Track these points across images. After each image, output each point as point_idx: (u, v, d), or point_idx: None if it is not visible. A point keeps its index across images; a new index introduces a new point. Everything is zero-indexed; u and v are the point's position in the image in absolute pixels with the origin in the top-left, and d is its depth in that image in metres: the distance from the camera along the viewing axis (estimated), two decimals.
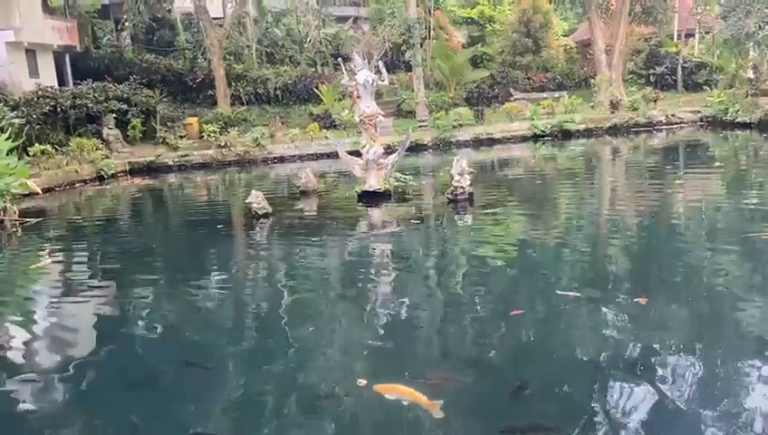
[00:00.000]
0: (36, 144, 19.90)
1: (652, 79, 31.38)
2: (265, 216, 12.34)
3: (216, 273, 9.54)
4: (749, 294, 7.04)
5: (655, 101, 27.03)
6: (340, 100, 27.44)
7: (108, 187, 19.75)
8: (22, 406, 5.45)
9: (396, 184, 14.22)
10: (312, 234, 11.55)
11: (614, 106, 26.16)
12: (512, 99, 29.07)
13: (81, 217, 15.68)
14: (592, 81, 29.48)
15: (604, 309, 6.72)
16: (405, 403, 4.87)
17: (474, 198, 12.73)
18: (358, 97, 14.00)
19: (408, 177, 14.79)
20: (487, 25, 35.83)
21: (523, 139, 24.62)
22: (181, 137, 24.17)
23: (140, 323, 7.41)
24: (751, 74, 26.47)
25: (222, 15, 30.11)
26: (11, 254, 11.89)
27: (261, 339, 6.76)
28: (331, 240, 11.06)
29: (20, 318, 8.05)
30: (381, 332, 6.59)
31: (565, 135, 24.65)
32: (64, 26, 27.57)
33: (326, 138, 23.93)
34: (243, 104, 28.36)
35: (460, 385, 5.30)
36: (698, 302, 6.96)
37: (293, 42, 31.88)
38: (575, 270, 8.41)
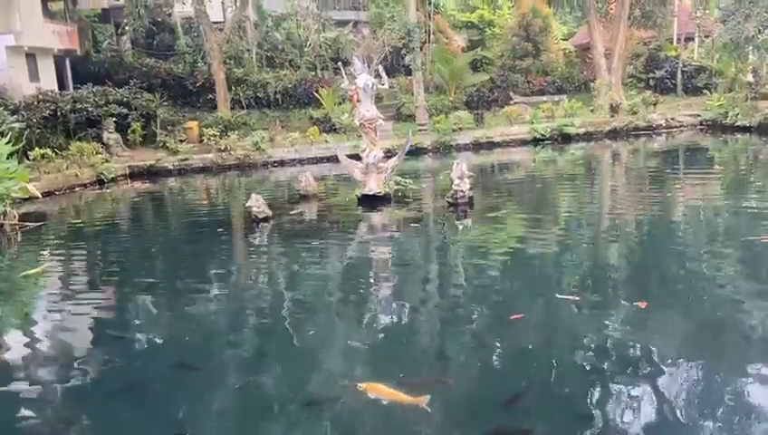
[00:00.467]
0: (36, 148, 19.91)
1: (652, 83, 31.41)
2: (265, 219, 12.34)
3: (216, 277, 9.53)
4: (750, 297, 7.03)
5: (654, 104, 27.05)
6: (340, 103, 27.47)
7: (108, 191, 19.75)
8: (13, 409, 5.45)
9: (396, 188, 14.22)
10: (312, 238, 11.55)
11: (614, 110, 26.17)
12: (511, 102, 29.08)
13: (80, 221, 15.67)
14: (592, 84, 29.51)
15: (604, 313, 6.73)
16: (385, 402, 4.96)
17: (474, 202, 12.73)
18: (358, 101, 14.01)
19: (408, 180, 14.80)
20: (487, 29, 35.87)
21: (523, 142, 24.63)
22: (181, 141, 24.19)
23: (138, 327, 7.42)
24: (750, 78, 26.50)
25: (222, 19, 30.15)
26: (10, 258, 11.88)
27: (259, 343, 6.75)
28: (332, 244, 11.06)
29: (17, 323, 8.04)
30: (380, 336, 6.59)
31: (565, 139, 24.66)
32: (65, 30, 27.60)
33: (326, 141, 23.95)
34: (243, 108, 28.37)
35: (456, 389, 5.30)
36: (699, 305, 6.96)
37: (293, 46, 31.92)
38: (575, 274, 8.41)
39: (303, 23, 30.73)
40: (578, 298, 7.09)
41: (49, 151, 20.11)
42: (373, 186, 13.53)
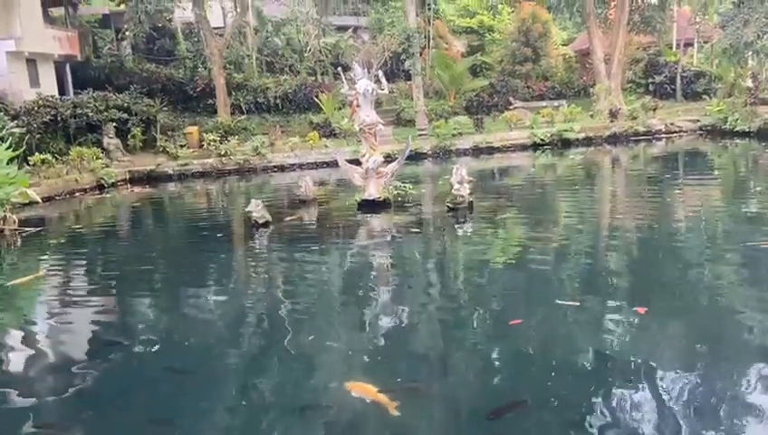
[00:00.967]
0: (37, 153, 19.93)
1: (651, 88, 31.44)
2: (265, 224, 12.34)
3: (216, 282, 9.54)
4: (750, 303, 7.03)
5: (654, 109, 27.09)
6: (340, 109, 27.50)
7: (108, 196, 19.76)
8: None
9: (395, 192, 14.22)
10: (311, 242, 11.55)
11: (613, 115, 26.20)
12: (511, 107, 29.10)
13: (80, 226, 15.67)
14: (591, 90, 29.55)
15: (603, 319, 6.73)
16: (368, 401, 5.08)
17: (473, 207, 12.73)
18: (357, 106, 14.03)
19: (407, 185, 14.80)
20: (487, 35, 35.92)
21: (523, 147, 24.66)
22: (181, 146, 24.21)
23: (134, 332, 7.41)
24: (750, 83, 26.51)
25: (222, 25, 30.21)
26: (9, 263, 11.88)
27: (256, 348, 6.76)
28: (331, 249, 11.07)
29: (11, 328, 8.05)
30: (378, 341, 6.59)
31: (564, 144, 24.70)
32: (65, 36, 27.64)
33: (326, 146, 23.97)
34: (243, 113, 28.40)
35: (454, 394, 5.30)
36: (698, 311, 6.95)
37: (293, 51, 31.97)
38: (574, 279, 8.41)
39: (303, 28, 30.81)
40: (577, 303, 7.09)
41: (49, 156, 20.13)
42: (373, 191, 13.54)
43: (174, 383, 5.94)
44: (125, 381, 6.01)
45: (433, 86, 31.01)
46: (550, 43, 33.54)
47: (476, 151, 24.46)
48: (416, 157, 22.28)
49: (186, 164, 23.09)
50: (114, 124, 23.46)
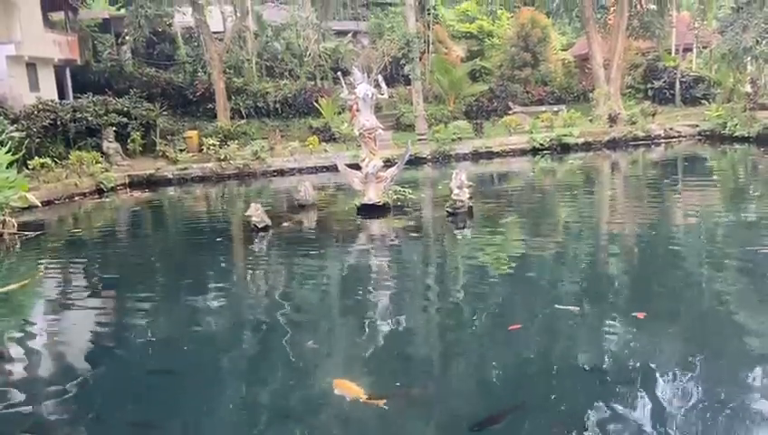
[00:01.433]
0: (36, 157, 19.93)
1: (650, 93, 31.50)
2: (265, 229, 12.34)
3: (214, 286, 9.51)
4: (749, 308, 7.03)
5: (653, 114, 27.12)
6: (340, 113, 27.52)
7: (107, 200, 19.75)
8: None
9: (395, 197, 14.23)
10: (310, 247, 11.55)
11: (612, 120, 26.24)
12: (510, 112, 29.14)
13: (80, 230, 15.66)
14: (591, 94, 29.59)
15: (603, 324, 6.72)
16: (348, 399, 5.20)
17: (473, 212, 12.73)
18: (357, 110, 14.04)
19: (407, 190, 14.81)
20: (486, 40, 35.99)
21: (522, 152, 24.68)
22: (181, 150, 24.21)
23: (128, 334, 7.40)
24: (749, 88, 26.55)
25: (222, 30, 30.23)
26: (8, 268, 11.86)
27: (253, 352, 6.74)
28: (330, 253, 11.06)
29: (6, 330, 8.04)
30: (376, 345, 6.58)
31: (564, 148, 24.71)
32: (65, 40, 27.67)
33: (325, 151, 23.98)
34: (242, 118, 28.42)
35: (449, 400, 5.29)
36: (697, 316, 6.95)
37: (293, 55, 32.01)
38: (574, 284, 8.40)
39: (303, 33, 30.85)
40: (577, 308, 7.09)
41: (49, 161, 20.12)
42: (372, 195, 13.54)
43: (163, 387, 5.95)
44: (112, 383, 6.05)
45: (432, 91, 31.04)
46: (549, 48, 33.60)
47: (476, 156, 24.47)
48: (415, 161, 22.29)
49: (185, 168, 23.09)
50: (114, 128, 23.45)
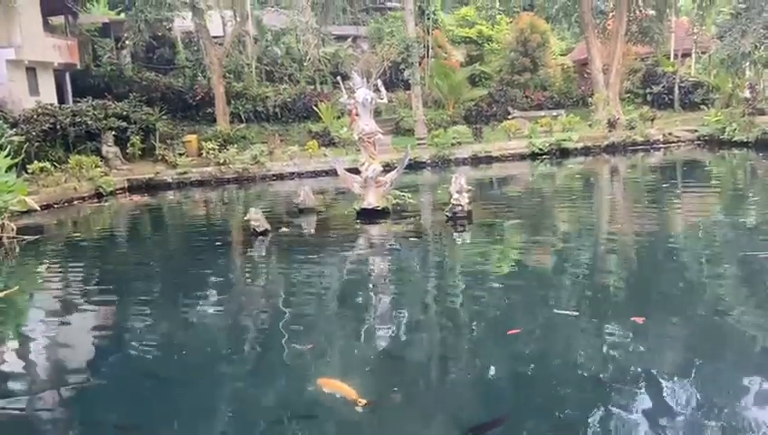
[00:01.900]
0: (35, 161, 19.95)
1: (649, 98, 31.55)
2: (264, 233, 12.33)
3: (212, 290, 9.50)
4: (747, 314, 7.02)
5: (652, 119, 27.17)
6: (339, 117, 27.55)
7: (106, 204, 19.75)
8: None
9: (394, 201, 14.23)
10: (310, 251, 11.54)
11: (611, 125, 26.27)
12: (510, 117, 29.17)
13: (78, 234, 15.65)
14: (590, 99, 29.62)
15: (602, 328, 6.71)
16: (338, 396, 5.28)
17: (472, 216, 12.73)
18: (357, 115, 14.06)
19: (406, 194, 14.82)
20: (485, 45, 36.06)
21: (521, 157, 24.70)
22: (180, 154, 24.24)
23: (122, 338, 7.40)
24: (747, 94, 26.60)
25: (222, 34, 30.31)
26: (7, 272, 11.86)
27: (247, 356, 6.73)
28: (330, 258, 11.05)
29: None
30: (374, 350, 6.57)
31: (563, 153, 24.74)
32: (65, 44, 27.72)
33: (325, 155, 24.00)
34: (242, 122, 28.45)
35: (450, 405, 5.29)
36: (696, 322, 6.94)
37: (293, 60, 32.08)
38: (573, 289, 8.40)
39: (303, 37, 30.90)
40: (576, 313, 7.08)
41: (48, 165, 20.15)
42: (372, 200, 13.54)
43: (153, 390, 5.95)
44: (100, 386, 6.06)
45: (432, 95, 31.09)
46: (548, 53, 33.67)
47: (475, 161, 24.49)
48: (415, 166, 22.30)
49: (184, 172, 23.10)
50: (113, 133, 23.51)
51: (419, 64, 28.20)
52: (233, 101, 28.67)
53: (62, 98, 27.09)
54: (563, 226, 13.07)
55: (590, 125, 27.37)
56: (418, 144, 25.35)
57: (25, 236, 13.65)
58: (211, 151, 23.69)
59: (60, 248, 13.64)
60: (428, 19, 33.27)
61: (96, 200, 20.18)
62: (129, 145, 24.00)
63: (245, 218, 12.60)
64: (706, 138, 25.34)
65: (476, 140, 25.74)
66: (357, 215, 13.68)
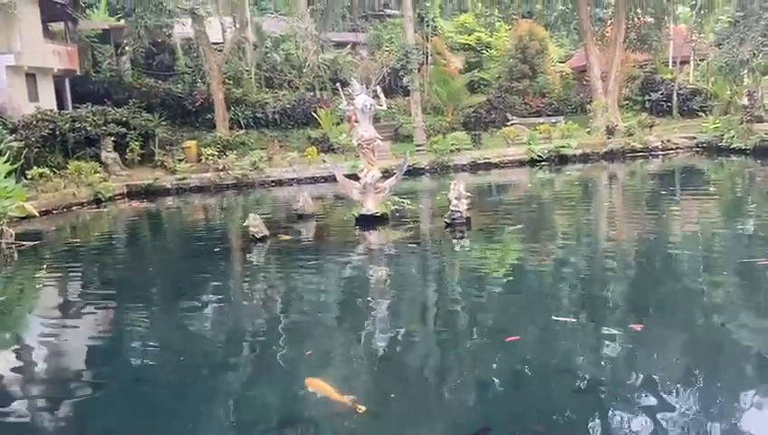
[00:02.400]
0: (35, 167, 19.95)
1: (647, 105, 31.61)
2: (263, 239, 12.33)
3: (212, 296, 9.49)
4: (746, 320, 7.03)
5: (651, 126, 27.20)
6: (339, 124, 27.58)
7: (105, 210, 19.74)
8: None
9: (393, 208, 14.24)
10: (309, 257, 11.54)
11: (610, 131, 26.31)
12: (509, 124, 29.21)
13: (77, 240, 15.65)
14: (588, 106, 29.68)
15: (599, 336, 6.72)
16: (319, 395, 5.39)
17: (471, 222, 12.74)
18: (356, 121, 14.09)
19: (405, 200, 14.83)
20: (484, 51, 36.16)
21: (520, 163, 24.73)
22: (179, 160, 24.25)
23: (127, 345, 7.39)
24: (746, 101, 26.65)
25: (221, 40, 30.36)
26: (5, 277, 11.85)
27: (243, 363, 6.73)
28: (328, 264, 11.05)
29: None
30: (370, 357, 6.56)
31: (562, 160, 24.77)
32: (65, 50, 27.75)
33: (324, 161, 23.88)
34: (241, 128, 28.46)
35: (447, 411, 5.28)
36: (694, 329, 6.95)
37: (292, 66, 32.13)
38: (571, 295, 8.40)
39: (302, 44, 30.96)
40: (574, 320, 7.08)
41: (47, 170, 20.15)
42: (371, 206, 13.54)
43: (151, 396, 5.96)
44: (94, 392, 6.08)
45: (431, 102, 31.13)
46: (547, 59, 33.75)
47: (474, 167, 24.51)
48: (414, 172, 22.32)
49: (184, 178, 23.11)
50: (112, 138, 23.51)
51: (418, 71, 28.26)
52: (232, 108, 28.68)
53: (61, 104, 27.11)
54: (562, 232, 13.08)
55: (588, 132, 27.41)
56: (417, 150, 25.37)
57: (24, 242, 13.63)
58: (210, 157, 23.71)
59: (58, 254, 13.63)
60: (427, 26, 33.36)
61: (95, 206, 20.16)
62: (128, 151, 24.00)
63: (244, 224, 12.60)
64: (705, 145, 25.39)
65: (475, 147, 25.77)
66: (356, 221, 13.69)
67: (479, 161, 24.66)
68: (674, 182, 20.16)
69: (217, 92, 27.14)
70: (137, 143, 24.21)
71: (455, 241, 12.16)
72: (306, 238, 13.50)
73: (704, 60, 32.16)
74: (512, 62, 32.62)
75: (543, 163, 24.55)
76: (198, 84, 29.91)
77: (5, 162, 14.74)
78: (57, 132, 22.35)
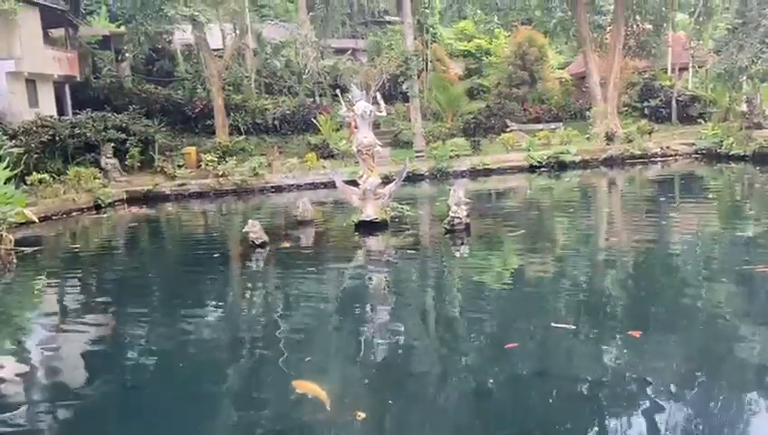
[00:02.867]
0: (34, 173, 19.95)
1: (647, 111, 31.68)
2: (262, 245, 12.32)
3: (211, 303, 9.50)
4: (744, 327, 7.03)
5: (650, 133, 27.26)
6: (338, 130, 27.63)
7: (104, 216, 19.74)
8: None
9: (393, 214, 14.25)
10: (308, 263, 11.54)
11: (609, 138, 26.36)
12: (508, 130, 29.27)
13: (77, 246, 15.65)
14: (588, 113, 29.75)
15: (599, 342, 6.72)
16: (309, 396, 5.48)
17: (470, 229, 12.75)
18: (355, 127, 14.11)
19: (405, 207, 14.84)
20: (484, 58, 36.28)
21: (520, 169, 24.75)
22: (179, 166, 24.27)
23: (127, 352, 7.38)
24: (744, 108, 26.74)
25: (221, 47, 30.44)
26: (5, 283, 11.84)
27: (248, 370, 6.71)
28: (328, 270, 11.05)
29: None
30: (368, 364, 6.55)
31: (561, 166, 24.79)
32: (65, 57, 27.83)
33: (324, 168, 24.02)
34: (241, 134, 28.50)
35: (446, 418, 5.28)
36: (693, 336, 6.95)
37: (292, 73, 32.20)
38: (570, 302, 8.40)
39: (302, 50, 31.03)
40: (573, 327, 7.08)
41: (47, 176, 20.15)
42: (370, 212, 13.55)
43: (141, 402, 5.96)
44: (91, 398, 6.07)
45: (431, 108, 31.21)
46: (546, 66, 33.87)
47: (473, 173, 24.54)
48: (413, 178, 22.35)
49: (183, 184, 23.12)
50: (112, 144, 23.54)
51: (418, 77, 28.33)
52: (232, 114, 28.74)
53: (61, 110, 27.16)
54: (562, 239, 13.09)
55: (588, 138, 27.46)
56: (417, 156, 25.41)
57: (24, 248, 13.63)
58: (210, 163, 23.73)
59: (58, 260, 13.62)
60: (427, 33, 33.47)
61: (94, 212, 20.16)
62: (128, 157, 24.03)
63: (244, 230, 12.60)
64: (704, 151, 25.43)
65: (475, 153, 25.81)
66: (355, 227, 13.69)
67: (478, 167, 24.69)
68: (673, 189, 20.19)
69: (217, 98, 27.20)
70: (136, 149, 24.24)
71: (454, 247, 12.16)
72: (306, 244, 13.50)
73: (702, 67, 32.27)
74: (511, 68, 32.72)
75: (543, 169, 24.58)
76: (198, 90, 29.97)
77: (5, 168, 14.73)
78: (57, 138, 22.37)
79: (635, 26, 30.78)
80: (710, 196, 18.27)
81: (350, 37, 37.79)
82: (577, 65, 35.25)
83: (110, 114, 24.77)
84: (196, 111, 29.01)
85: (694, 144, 26.06)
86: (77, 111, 26.35)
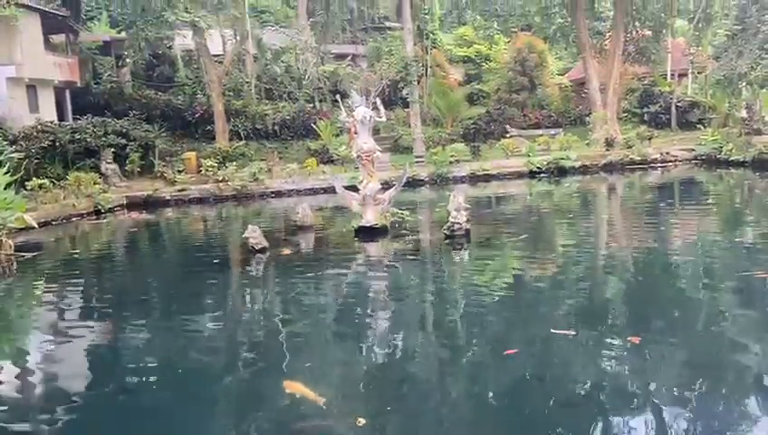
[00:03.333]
0: (34, 178, 19.98)
1: (646, 117, 31.73)
2: (262, 250, 12.32)
3: (210, 308, 9.49)
4: (744, 333, 7.02)
5: (649, 139, 27.29)
6: (338, 135, 27.66)
7: (104, 221, 19.74)
8: None
9: (393, 219, 14.26)
10: (308, 269, 11.53)
11: (609, 144, 26.40)
12: (508, 135, 29.31)
13: (77, 251, 15.64)
14: (587, 118, 29.79)
15: (598, 348, 6.71)
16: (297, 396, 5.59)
17: (470, 234, 12.74)
18: (355, 133, 14.13)
19: (405, 212, 14.84)
20: (483, 64, 36.35)
21: (519, 175, 24.77)
22: (179, 171, 24.30)
23: (126, 357, 7.37)
24: (744, 114, 26.78)
25: (222, 52, 30.50)
26: (5, 288, 11.83)
27: (247, 376, 6.71)
28: (328, 275, 11.04)
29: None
30: (367, 369, 6.55)
31: (561, 172, 24.81)
32: (65, 62, 27.87)
33: (323, 173, 24.04)
34: (241, 139, 28.53)
35: (444, 424, 5.27)
36: (692, 342, 6.94)
37: (292, 78, 32.26)
38: (570, 308, 8.39)
39: (302, 56, 31.11)
40: (573, 333, 7.08)
41: (47, 181, 20.17)
42: (370, 217, 13.55)
43: (140, 407, 5.96)
44: (84, 402, 6.09)
45: (430, 114, 31.26)
46: (546, 72, 33.94)
47: (473, 179, 24.55)
48: (413, 184, 22.35)
49: (183, 189, 23.13)
50: (112, 150, 23.56)
51: (418, 83, 28.39)
52: (232, 119, 28.78)
53: (61, 115, 27.19)
54: (561, 244, 13.08)
55: (587, 144, 27.50)
56: (417, 162, 25.43)
57: (23, 253, 13.63)
58: (210, 169, 23.76)
59: (58, 265, 13.61)
60: (427, 38, 33.55)
61: (94, 217, 20.16)
62: (128, 162, 24.06)
63: (244, 236, 12.60)
64: (703, 157, 25.45)
65: (474, 159, 25.83)
66: (355, 232, 13.69)
67: (478, 173, 24.70)
68: (673, 194, 20.19)
69: (217, 104, 27.24)
70: (137, 154, 24.27)
71: (454, 253, 12.16)
72: (306, 250, 13.50)
73: (702, 73, 32.33)
74: (511, 74, 32.78)
75: (542, 175, 24.59)
76: (198, 96, 30.03)
77: (5, 173, 14.75)
78: (57, 143, 22.41)
79: (634, 32, 30.88)
80: (710, 201, 18.28)
81: (350, 43, 37.87)
82: (576, 71, 35.32)
83: (110, 119, 24.82)
84: (197, 116, 29.05)
85: (693, 150, 26.09)
86: (77, 116, 26.41)
